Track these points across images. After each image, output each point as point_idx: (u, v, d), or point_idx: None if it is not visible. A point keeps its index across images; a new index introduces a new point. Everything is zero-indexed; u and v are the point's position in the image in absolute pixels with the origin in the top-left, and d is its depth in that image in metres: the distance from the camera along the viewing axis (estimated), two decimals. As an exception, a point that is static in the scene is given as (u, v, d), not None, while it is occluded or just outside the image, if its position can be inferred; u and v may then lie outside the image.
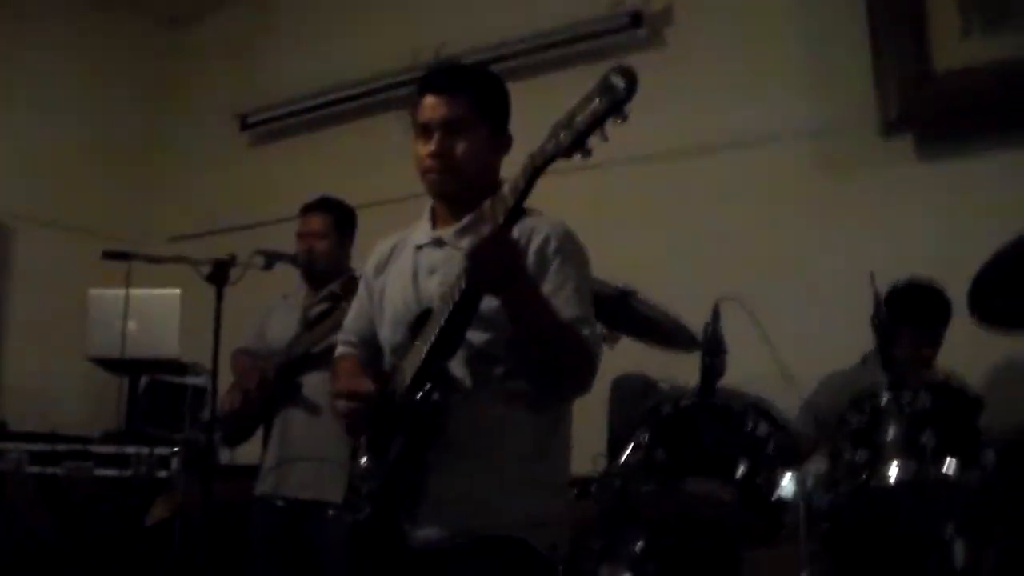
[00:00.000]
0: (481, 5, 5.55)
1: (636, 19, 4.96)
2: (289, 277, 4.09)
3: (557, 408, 2.42)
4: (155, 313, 4.46)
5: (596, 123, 1.98)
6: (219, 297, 3.58)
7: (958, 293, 3.46)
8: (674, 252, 4.40)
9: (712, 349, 3.03)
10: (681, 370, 3.67)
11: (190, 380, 4.67)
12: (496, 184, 2.38)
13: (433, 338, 2.27)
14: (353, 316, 2.70)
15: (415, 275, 2.47)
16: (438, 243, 2.46)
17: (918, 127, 4.41)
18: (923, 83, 4.32)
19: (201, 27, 6.88)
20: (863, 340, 3.84)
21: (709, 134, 4.74)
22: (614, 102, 1.94)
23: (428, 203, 2.54)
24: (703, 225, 4.60)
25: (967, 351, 3.78)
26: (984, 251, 3.09)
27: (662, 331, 3.34)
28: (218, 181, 6.39)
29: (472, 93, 2.42)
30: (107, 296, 4.63)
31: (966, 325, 3.70)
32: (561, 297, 2.31)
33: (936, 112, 4.34)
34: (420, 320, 2.36)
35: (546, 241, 2.35)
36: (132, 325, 4.43)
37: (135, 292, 4.45)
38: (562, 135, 2.02)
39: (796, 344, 3.33)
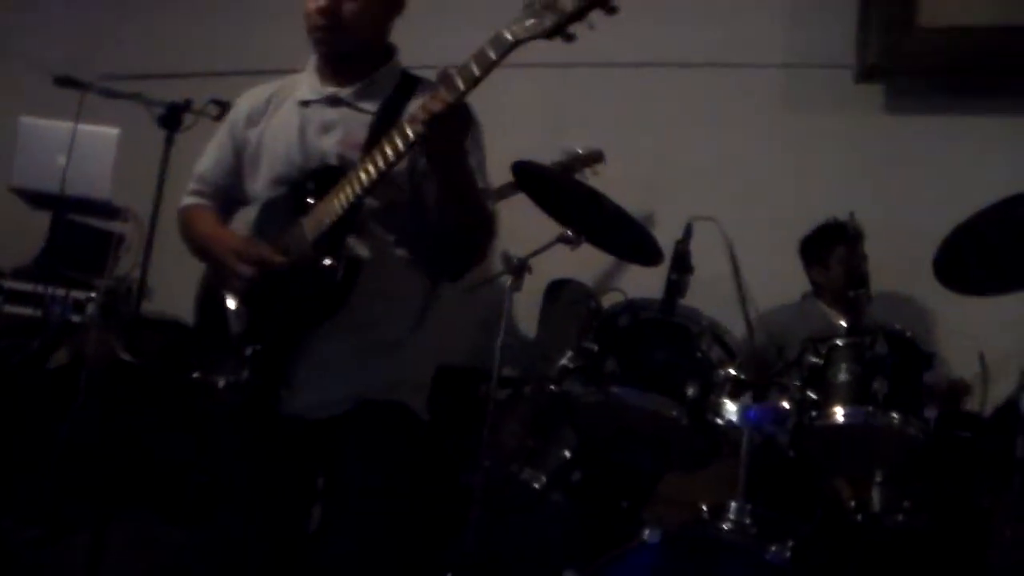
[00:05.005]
0: None
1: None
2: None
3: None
4: (89, 151, 4.20)
5: (586, 8, 1.91)
6: (169, 141, 3.40)
7: (904, 246, 3.50)
8: (636, 163, 4.30)
9: (680, 266, 2.96)
10: (625, 285, 3.65)
11: (116, 227, 4.45)
12: (384, 45, 2.42)
13: (348, 200, 2.21)
14: (211, 164, 2.59)
15: (302, 131, 2.40)
16: (332, 101, 2.40)
17: (892, 78, 4.39)
18: (905, 34, 4.27)
19: None
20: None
21: (680, 50, 4.59)
22: None
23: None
24: (666, 141, 4.51)
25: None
26: (940, 210, 3.06)
27: (629, 239, 3.25)
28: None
29: None
30: (39, 126, 4.38)
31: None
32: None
33: (913, 66, 4.32)
34: (320, 177, 2.30)
35: None
36: (62, 160, 4.19)
37: (68, 126, 4.20)
38: (546, 17, 1.94)
39: (755, 273, 3.27)
